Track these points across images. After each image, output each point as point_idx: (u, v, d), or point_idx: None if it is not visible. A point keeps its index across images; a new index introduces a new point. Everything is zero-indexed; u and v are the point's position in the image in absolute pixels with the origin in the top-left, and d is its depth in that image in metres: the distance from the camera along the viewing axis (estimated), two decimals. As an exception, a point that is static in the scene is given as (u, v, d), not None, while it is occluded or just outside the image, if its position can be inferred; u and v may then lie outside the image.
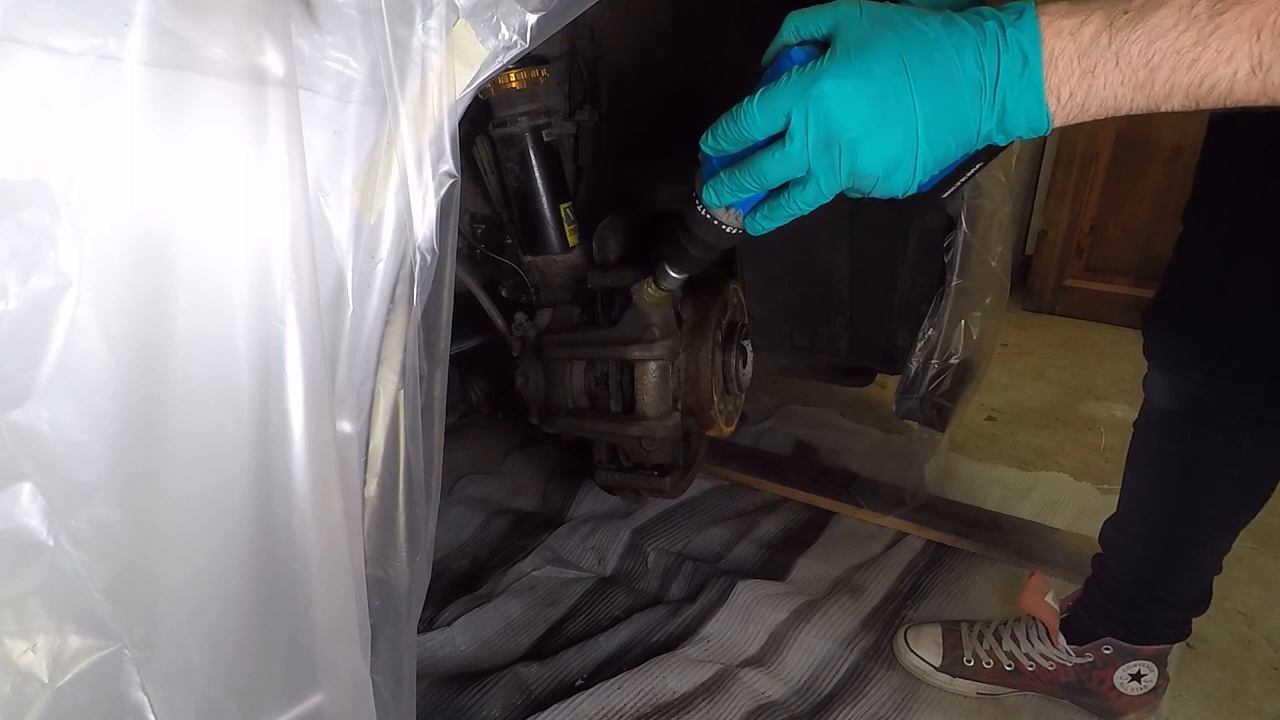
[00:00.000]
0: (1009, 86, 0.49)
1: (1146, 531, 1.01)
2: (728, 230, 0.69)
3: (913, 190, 0.55)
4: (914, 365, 1.31)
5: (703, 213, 0.68)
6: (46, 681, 0.46)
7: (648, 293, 0.99)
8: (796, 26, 0.57)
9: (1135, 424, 1.01)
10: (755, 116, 0.55)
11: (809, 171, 0.55)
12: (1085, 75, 0.47)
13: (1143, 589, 1.02)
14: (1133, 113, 0.48)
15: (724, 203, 0.63)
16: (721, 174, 0.61)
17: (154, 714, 0.50)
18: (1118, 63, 0.46)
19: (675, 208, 0.75)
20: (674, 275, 0.89)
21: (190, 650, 0.51)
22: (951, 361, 1.29)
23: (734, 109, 0.57)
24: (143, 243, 0.43)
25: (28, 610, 0.45)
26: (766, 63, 0.60)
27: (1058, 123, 0.50)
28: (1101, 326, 2.48)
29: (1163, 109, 0.47)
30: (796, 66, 0.54)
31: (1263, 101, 0.44)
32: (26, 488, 0.43)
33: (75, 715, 0.48)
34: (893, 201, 0.63)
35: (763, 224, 0.62)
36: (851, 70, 0.51)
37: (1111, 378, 2.13)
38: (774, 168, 0.56)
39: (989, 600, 1.32)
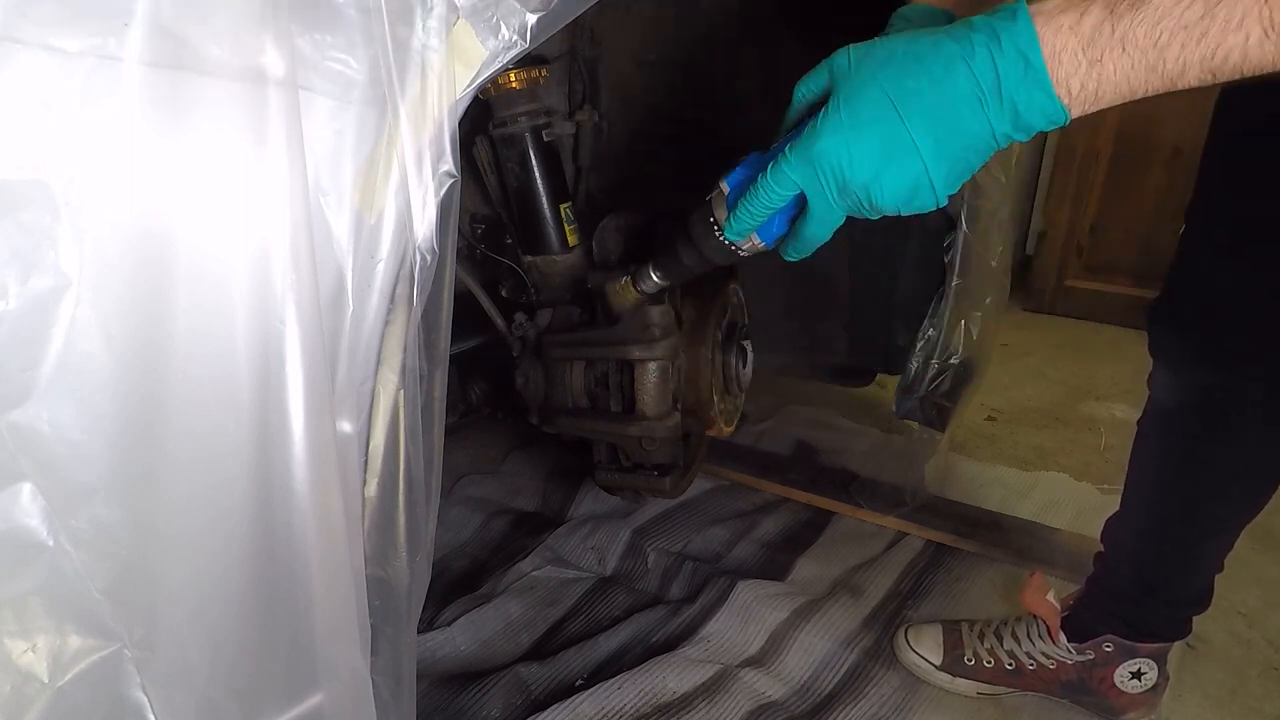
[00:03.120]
0: (1015, 88, 0.49)
1: (1149, 529, 1.01)
2: (740, 252, 0.70)
3: (944, 204, 0.56)
4: (914, 365, 1.31)
5: (718, 235, 0.69)
6: (46, 681, 0.46)
7: (623, 291, 0.97)
8: (802, 92, 0.60)
9: (1139, 421, 1.01)
10: (774, 190, 0.59)
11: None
12: (1093, 65, 0.47)
13: (1144, 586, 1.02)
14: (1150, 94, 0.48)
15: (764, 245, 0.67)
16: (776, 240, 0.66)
17: (154, 714, 0.50)
18: (1124, 48, 0.46)
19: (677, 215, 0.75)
20: (656, 279, 0.88)
21: (190, 650, 0.51)
22: (951, 361, 1.29)
23: (751, 190, 0.61)
24: (143, 243, 0.43)
25: (28, 610, 0.45)
26: (785, 130, 0.63)
27: (1075, 113, 0.50)
28: (1101, 326, 2.47)
29: (1179, 86, 0.46)
30: (796, 133, 0.57)
31: None
32: (26, 488, 0.43)
33: (75, 715, 0.48)
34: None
35: (801, 253, 0.65)
36: (843, 123, 0.54)
37: (1111, 378, 2.13)
38: (817, 231, 0.61)
39: (989, 600, 1.32)
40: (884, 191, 0.55)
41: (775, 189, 0.59)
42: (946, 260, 1.25)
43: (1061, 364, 2.24)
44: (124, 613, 0.48)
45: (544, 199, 1.16)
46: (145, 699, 0.50)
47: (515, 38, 0.50)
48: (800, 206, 0.60)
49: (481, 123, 1.15)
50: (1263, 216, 0.82)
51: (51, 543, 0.44)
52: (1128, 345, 2.31)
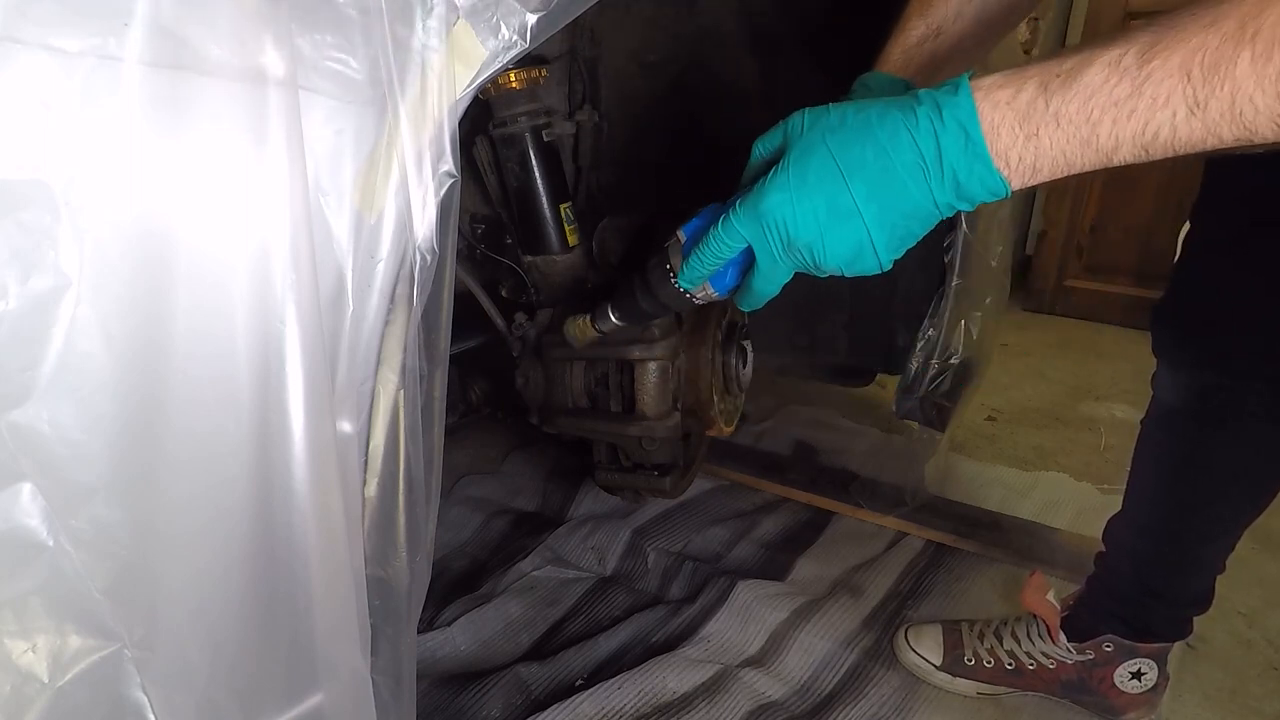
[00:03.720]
0: (956, 160, 0.50)
1: (1151, 529, 1.01)
2: (695, 299, 0.72)
3: (887, 268, 0.57)
4: (914, 365, 1.31)
5: (674, 283, 0.71)
6: (46, 681, 0.46)
7: (579, 328, 0.93)
8: (759, 149, 0.62)
9: (1143, 421, 1.01)
10: (723, 242, 0.61)
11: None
12: (1030, 139, 0.48)
13: (1145, 586, 1.02)
14: (1088, 168, 0.49)
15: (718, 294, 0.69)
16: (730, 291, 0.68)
17: (154, 714, 0.50)
18: (1059, 123, 0.47)
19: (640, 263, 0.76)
20: (614, 320, 0.87)
21: (190, 650, 0.51)
22: (951, 361, 1.29)
23: (703, 241, 0.63)
24: (143, 243, 0.43)
25: (28, 610, 0.45)
26: (744, 185, 0.64)
27: (1015, 185, 0.51)
28: (1101, 326, 2.48)
29: (1115, 161, 0.48)
30: (749, 189, 0.58)
31: (1210, 142, 0.45)
32: (26, 488, 0.43)
33: (75, 715, 0.48)
34: None
35: (751, 305, 0.67)
36: (790, 183, 0.55)
37: (1111, 378, 2.13)
38: (763, 286, 0.62)
39: (989, 600, 1.32)
40: (827, 252, 0.56)
41: (725, 241, 0.60)
42: (946, 260, 1.25)
43: (1061, 364, 2.25)
44: (124, 613, 0.48)
45: (544, 199, 1.16)
46: (145, 699, 0.50)
47: (515, 38, 0.50)
48: (751, 259, 0.61)
49: (481, 123, 1.15)
50: (1265, 217, 0.82)
51: (51, 543, 0.44)
52: (1128, 345, 2.31)
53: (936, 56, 0.76)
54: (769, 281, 0.62)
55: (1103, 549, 1.08)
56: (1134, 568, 1.03)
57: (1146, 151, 0.46)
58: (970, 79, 0.50)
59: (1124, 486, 1.05)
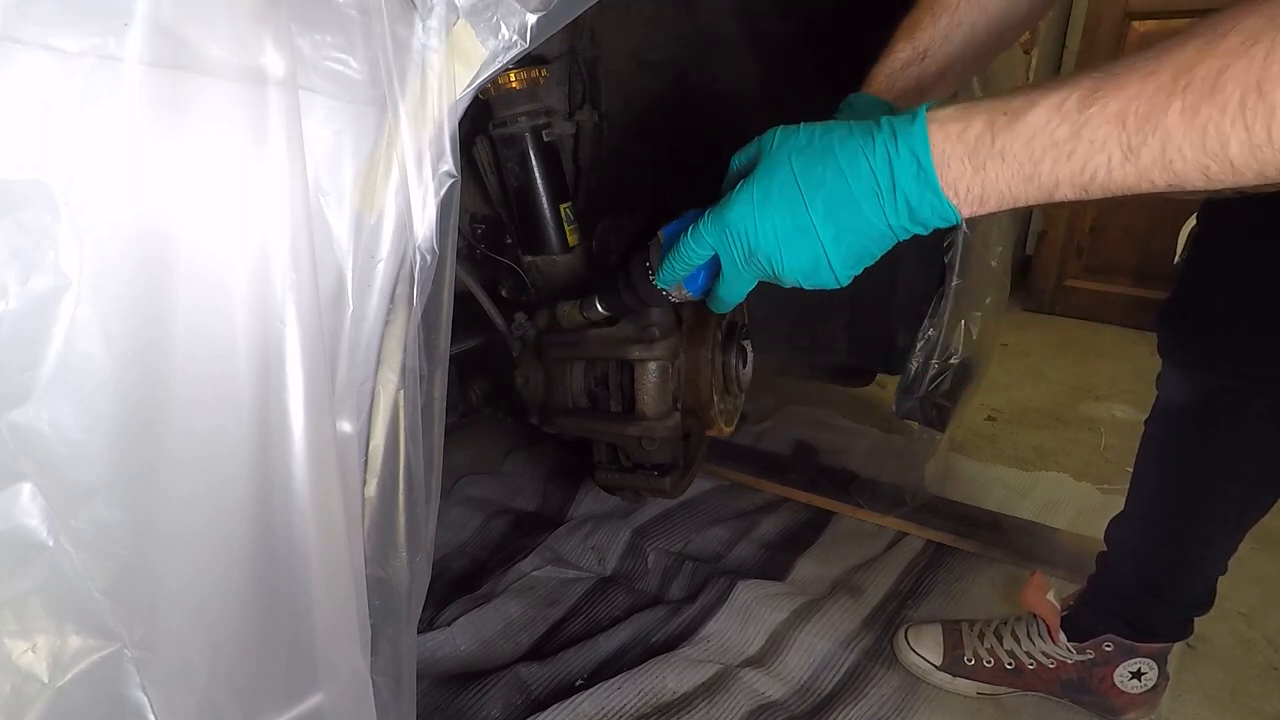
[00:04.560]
0: (908, 186, 0.52)
1: (1154, 530, 1.01)
2: (671, 298, 0.75)
3: (845, 284, 0.59)
4: (914, 365, 1.31)
5: (651, 280, 0.75)
6: (46, 681, 0.46)
7: (571, 315, 1.02)
8: (736, 161, 0.65)
9: (1146, 421, 1.01)
10: (692, 249, 0.64)
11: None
12: (977, 172, 0.50)
13: (1146, 586, 1.02)
14: (1032, 203, 0.50)
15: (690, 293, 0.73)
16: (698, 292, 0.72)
17: (154, 714, 0.50)
18: (1004, 159, 0.49)
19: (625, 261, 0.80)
20: (600, 310, 0.93)
21: (190, 650, 0.52)
22: (951, 361, 1.29)
23: (675, 247, 0.66)
24: (143, 243, 0.43)
25: (28, 610, 0.45)
26: (723, 194, 0.66)
27: (965, 214, 0.53)
28: (1101, 326, 2.48)
29: (1056, 198, 0.49)
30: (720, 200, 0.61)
31: (1144, 187, 0.46)
32: (26, 488, 0.43)
33: (75, 715, 0.48)
34: None
35: (719, 308, 0.70)
36: (754, 197, 0.58)
37: (1111, 378, 2.13)
38: (728, 293, 0.66)
39: (989, 600, 1.32)
40: (785, 265, 0.58)
41: (693, 248, 0.64)
42: (946, 260, 1.25)
43: (1061, 364, 2.25)
44: (124, 613, 0.48)
45: (544, 199, 1.16)
46: (145, 699, 0.50)
47: (515, 38, 0.50)
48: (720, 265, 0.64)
49: (481, 123, 1.15)
50: (1271, 220, 0.82)
51: (51, 543, 0.44)
52: (1128, 345, 2.31)
53: (922, 80, 0.78)
54: (732, 289, 0.65)
55: (1104, 548, 1.08)
56: (1136, 568, 1.03)
57: (1085, 191, 0.48)
58: (928, 110, 0.52)
59: (1124, 486, 1.05)
